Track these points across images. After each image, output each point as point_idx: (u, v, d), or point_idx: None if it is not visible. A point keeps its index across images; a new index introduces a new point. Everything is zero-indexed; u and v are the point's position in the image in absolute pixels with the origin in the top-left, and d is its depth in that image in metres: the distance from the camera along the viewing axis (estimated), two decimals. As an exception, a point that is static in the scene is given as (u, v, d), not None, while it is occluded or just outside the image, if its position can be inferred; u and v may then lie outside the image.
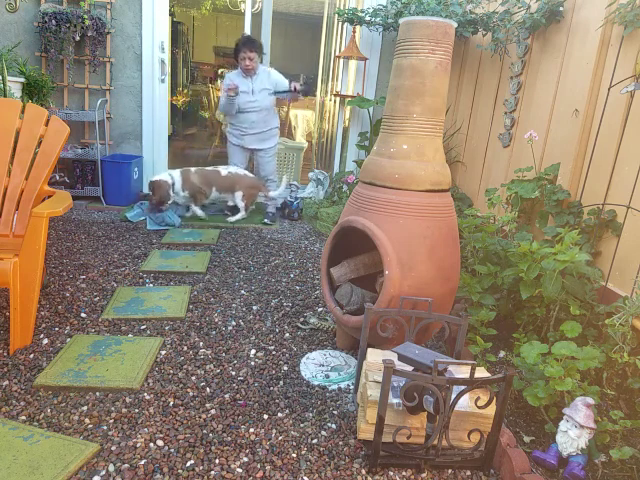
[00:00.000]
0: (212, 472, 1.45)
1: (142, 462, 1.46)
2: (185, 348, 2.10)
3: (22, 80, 3.60)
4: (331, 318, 2.41)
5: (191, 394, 1.79)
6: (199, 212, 3.99)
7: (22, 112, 2.34)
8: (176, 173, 3.83)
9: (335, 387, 1.91)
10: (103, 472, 1.41)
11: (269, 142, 4.05)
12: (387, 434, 1.49)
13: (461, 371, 1.60)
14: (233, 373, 1.95)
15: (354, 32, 4.16)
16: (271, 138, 4.05)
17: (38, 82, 3.71)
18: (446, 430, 1.44)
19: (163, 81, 4.32)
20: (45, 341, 2.04)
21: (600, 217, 2.19)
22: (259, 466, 1.48)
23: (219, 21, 8.27)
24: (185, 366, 1.96)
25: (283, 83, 3.90)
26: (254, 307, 2.54)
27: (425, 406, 1.45)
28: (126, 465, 1.44)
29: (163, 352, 2.05)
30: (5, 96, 3.16)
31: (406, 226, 1.84)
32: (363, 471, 1.50)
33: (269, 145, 4.05)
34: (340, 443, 1.61)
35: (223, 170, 3.97)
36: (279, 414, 1.72)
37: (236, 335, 2.24)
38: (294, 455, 1.54)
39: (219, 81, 7.71)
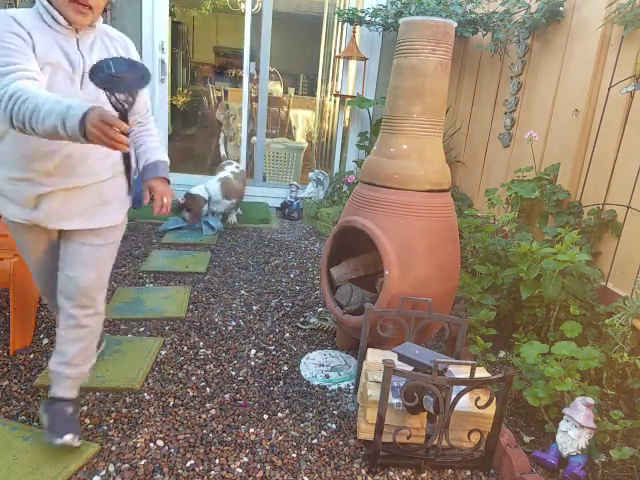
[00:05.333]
0: (212, 472, 1.45)
1: (142, 462, 1.46)
2: (185, 348, 2.10)
3: (22, 80, 3.59)
4: (331, 318, 2.41)
5: (191, 394, 1.79)
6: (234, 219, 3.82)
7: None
8: (214, 184, 3.60)
9: (335, 387, 1.91)
10: (103, 472, 1.41)
11: (109, 213, 1.53)
12: (387, 434, 1.49)
13: (461, 371, 1.60)
14: (233, 373, 1.95)
15: (354, 32, 4.16)
16: (111, 202, 1.53)
17: (38, 82, 3.70)
18: (446, 430, 1.44)
19: (163, 81, 4.32)
20: (45, 341, 2.04)
21: (600, 217, 2.19)
22: (259, 466, 1.48)
23: (219, 21, 8.26)
24: (185, 366, 1.96)
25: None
26: (254, 307, 2.54)
27: (425, 406, 1.45)
28: (126, 465, 1.44)
29: (163, 352, 2.05)
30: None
31: (406, 226, 1.84)
32: (363, 471, 1.50)
33: (109, 222, 1.53)
34: (340, 443, 1.61)
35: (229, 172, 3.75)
36: (279, 414, 1.72)
37: (236, 335, 2.24)
38: (294, 455, 1.54)
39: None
